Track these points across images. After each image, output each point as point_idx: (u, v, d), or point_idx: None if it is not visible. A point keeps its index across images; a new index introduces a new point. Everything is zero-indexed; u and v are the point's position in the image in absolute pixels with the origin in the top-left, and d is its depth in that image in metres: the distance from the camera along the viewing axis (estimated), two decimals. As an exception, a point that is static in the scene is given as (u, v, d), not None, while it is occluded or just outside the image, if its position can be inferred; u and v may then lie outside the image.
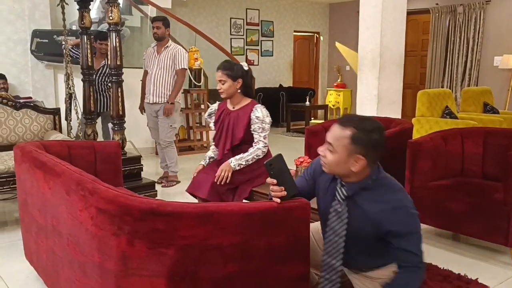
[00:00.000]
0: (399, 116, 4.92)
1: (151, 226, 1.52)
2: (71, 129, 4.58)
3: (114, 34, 3.61)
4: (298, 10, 10.19)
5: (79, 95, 4.40)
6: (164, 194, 4.33)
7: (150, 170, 5.09)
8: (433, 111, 5.60)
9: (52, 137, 3.72)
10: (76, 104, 4.48)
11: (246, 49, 9.44)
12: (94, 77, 4.47)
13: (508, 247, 2.80)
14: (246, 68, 2.86)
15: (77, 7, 4.02)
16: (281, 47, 10.02)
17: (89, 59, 4.10)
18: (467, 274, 2.60)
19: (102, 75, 4.90)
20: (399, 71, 4.95)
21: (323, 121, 8.74)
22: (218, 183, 2.76)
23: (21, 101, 4.20)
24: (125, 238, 1.53)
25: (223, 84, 2.79)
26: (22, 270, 2.65)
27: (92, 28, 4.28)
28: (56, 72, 5.82)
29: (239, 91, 2.84)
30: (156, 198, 3.77)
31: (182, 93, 5.03)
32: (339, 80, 10.29)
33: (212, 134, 2.94)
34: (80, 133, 4.33)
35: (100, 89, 4.92)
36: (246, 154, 2.82)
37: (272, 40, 9.85)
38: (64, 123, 4.37)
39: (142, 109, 4.80)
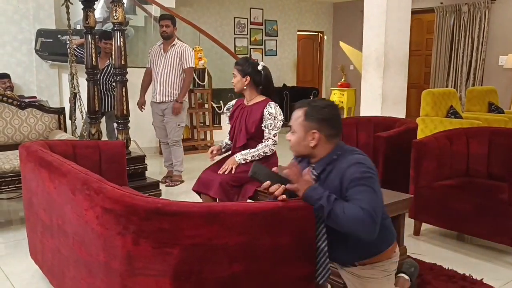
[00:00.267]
0: (404, 116, 4.91)
1: (157, 225, 1.52)
2: (76, 128, 4.59)
3: (118, 33, 3.62)
4: (302, 10, 10.18)
5: (84, 95, 4.41)
6: (168, 193, 4.34)
7: (154, 170, 5.09)
8: (437, 111, 5.57)
9: (57, 136, 3.73)
10: (80, 104, 4.49)
11: (250, 48, 9.43)
12: (98, 76, 4.48)
13: (514, 247, 2.80)
14: (259, 67, 2.91)
15: (82, 6, 4.03)
16: (285, 47, 10.01)
17: (94, 59, 4.11)
18: (472, 274, 2.59)
19: (106, 74, 4.91)
20: (403, 71, 4.93)
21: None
22: (221, 172, 2.82)
23: (26, 100, 4.22)
24: (130, 238, 1.54)
25: (234, 77, 2.93)
26: (27, 269, 2.66)
27: (96, 28, 4.28)
28: (61, 71, 5.84)
29: (245, 87, 2.91)
30: (161, 197, 3.78)
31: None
32: (343, 80, 10.26)
33: (226, 131, 3.01)
34: (84, 132, 4.34)
35: (105, 88, 4.93)
36: (253, 149, 2.88)
37: (276, 40, 9.84)
38: (68, 122, 4.38)
39: (141, 104, 4.75)
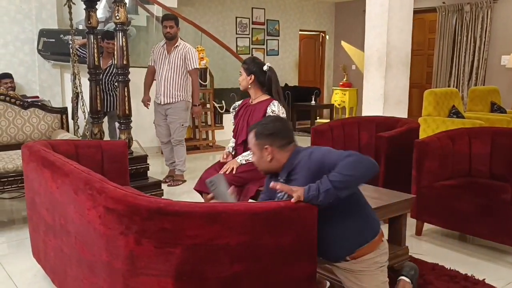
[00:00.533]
0: (406, 116, 4.91)
1: (159, 225, 1.53)
2: (78, 128, 4.60)
3: (120, 33, 3.63)
4: (303, 9, 10.17)
5: (86, 95, 4.42)
6: (170, 193, 4.34)
7: (156, 169, 5.10)
8: (439, 111, 5.57)
9: (59, 136, 3.74)
10: (83, 104, 4.50)
11: (252, 48, 9.44)
12: (101, 76, 4.48)
13: (516, 247, 2.79)
14: (265, 68, 2.96)
15: (84, 6, 4.04)
16: (286, 46, 10.01)
17: (96, 59, 4.12)
18: (474, 274, 2.59)
19: (109, 74, 4.91)
20: (405, 70, 4.93)
21: (328, 120, 8.73)
22: (222, 172, 2.83)
23: (29, 100, 4.23)
24: (133, 238, 1.54)
25: (240, 76, 3.00)
26: (29, 269, 2.66)
27: (98, 28, 4.29)
28: (63, 71, 5.85)
29: (250, 86, 2.96)
30: (163, 197, 3.79)
31: None
32: (344, 79, 10.26)
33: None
34: (87, 132, 4.35)
35: (107, 88, 4.94)
36: None
37: (278, 39, 9.83)
38: (71, 122, 4.39)
39: (146, 102, 4.74)
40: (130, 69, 3.79)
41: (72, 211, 1.88)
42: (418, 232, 3.26)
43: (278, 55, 9.86)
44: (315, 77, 10.93)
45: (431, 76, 8.92)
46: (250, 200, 2.77)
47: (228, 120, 7.06)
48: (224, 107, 6.91)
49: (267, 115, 2.87)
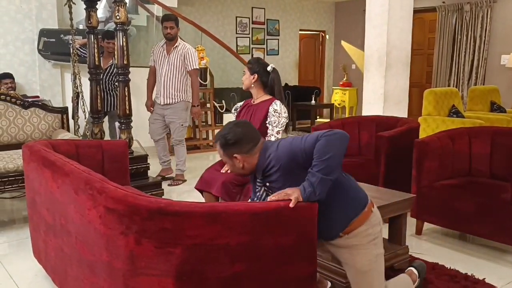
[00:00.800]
0: (406, 115, 4.91)
1: (159, 225, 1.53)
2: (78, 128, 4.60)
3: (121, 33, 3.63)
4: (303, 9, 10.17)
5: (86, 94, 4.42)
6: (171, 192, 4.34)
7: (156, 169, 5.09)
8: (439, 110, 5.57)
9: (60, 136, 3.74)
10: (83, 103, 4.50)
11: (252, 48, 9.43)
12: (101, 76, 4.48)
13: (516, 247, 2.79)
14: (269, 69, 2.98)
15: (84, 6, 4.04)
16: (286, 46, 10.01)
17: (96, 59, 4.12)
18: (474, 274, 2.59)
19: (109, 74, 4.92)
20: (405, 70, 4.93)
21: (329, 120, 8.73)
22: (223, 171, 2.85)
23: (29, 100, 4.23)
24: (133, 237, 1.55)
25: (244, 75, 3.01)
26: (30, 268, 2.67)
27: (98, 28, 4.29)
28: (63, 71, 5.86)
29: (253, 85, 2.97)
30: (163, 197, 3.79)
31: None
32: (344, 79, 10.26)
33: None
34: (87, 132, 4.36)
35: (108, 88, 4.94)
36: None
37: (278, 39, 9.83)
38: (71, 122, 4.39)
39: (149, 107, 4.72)
40: (130, 69, 3.80)
41: (72, 211, 1.88)
42: (418, 231, 3.26)
43: (278, 54, 9.86)
44: (315, 77, 10.93)
45: (431, 76, 8.92)
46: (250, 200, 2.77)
47: (228, 119, 7.07)
48: (224, 107, 6.91)
49: (268, 114, 2.88)
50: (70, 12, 4.43)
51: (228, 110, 6.99)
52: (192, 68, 4.51)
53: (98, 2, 4.13)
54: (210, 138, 6.79)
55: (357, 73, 9.95)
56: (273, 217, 1.68)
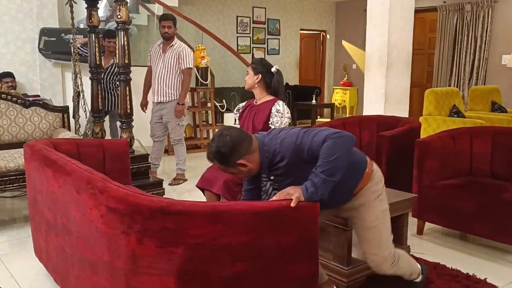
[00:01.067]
0: (407, 115, 4.91)
1: (161, 224, 1.53)
2: (79, 127, 4.60)
3: (122, 32, 3.62)
4: (304, 8, 10.17)
5: (87, 94, 4.42)
6: (171, 192, 4.34)
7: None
8: (440, 110, 5.57)
9: (60, 135, 3.74)
10: (84, 103, 4.50)
11: (253, 47, 9.43)
12: (102, 75, 4.48)
13: (517, 247, 2.79)
14: (273, 70, 2.98)
15: (85, 5, 4.03)
16: (287, 46, 10.00)
17: (97, 58, 4.12)
18: (475, 274, 2.59)
19: (110, 73, 4.91)
20: (406, 70, 4.93)
21: (329, 119, 8.73)
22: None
23: (30, 99, 4.23)
24: (134, 237, 1.55)
25: (247, 74, 3.02)
26: (32, 267, 2.67)
27: (99, 27, 4.28)
28: (64, 70, 5.86)
29: (256, 85, 2.97)
30: (164, 196, 3.79)
31: (188, 91, 5.01)
32: (345, 79, 10.26)
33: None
34: (88, 131, 4.35)
35: (108, 87, 4.94)
36: None
37: (279, 39, 9.83)
38: (72, 121, 4.39)
39: (143, 106, 4.75)
40: (131, 68, 3.79)
41: (74, 210, 1.88)
42: (420, 231, 3.26)
43: (278, 54, 9.86)
44: (316, 76, 10.93)
45: (431, 76, 8.91)
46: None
47: (229, 119, 7.07)
48: (225, 106, 6.91)
49: (271, 114, 2.89)
50: (72, 11, 4.43)
51: (229, 110, 6.99)
52: (186, 67, 4.51)
53: (99, 1, 4.13)
54: (211, 137, 6.77)
55: (357, 73, 9.94)
56: (275, 216, 1.68)
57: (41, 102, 4.10)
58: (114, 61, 4.86)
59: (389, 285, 2.42)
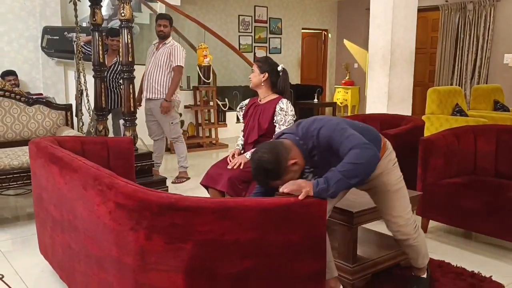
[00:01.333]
0: (410, 114, 4.91)
1: (169, 220, 1.53)
2: (82, 125, 4.60)
3: (125, 30, 3.62)
4: (306, 7, 10.17)
5: (91, 92, 4.42)
6: (174, 190, 4.34)
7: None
8: (443, 109, 5.56)
9: (64, 133, 3.74)
10: (87, 101, 4.50)
11: (254, 46, 9.43)
12: (105, 74, 4.48)
13: (522, 245, 2.79)
14: (279, 68, 2.98)
15: (88, 4, 4.03)
16: (289, 44, 10.00)
17: (101, 56, 4.12)
18: (480, 271, 2.59)
19: (113, 72, 4.91)
20: (409, 69, 4.93)
21: (331, 118, 8.72)
22: (230, 167, 2.85)
23: (34, 97, 4.23)
24: (143, 233, 1.54)
25: (252, 72, 2.99)
26: (36, 265, 2.67)
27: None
28: (66, 68, 5.86)
29: (262, 84, 2.96)
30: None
31: (182, 89, 4.93)
32: (347, 78, 10.26)
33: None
34: (92, 129, 4.35)
35: (112, 86, 4.94)
36: None
37: (280, 37, 9.83)
38: (75, 119, 4.39)
39: (137, 101, 4.65)
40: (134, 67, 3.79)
41: (80, 207, 1.88)
42: (424, 229, 3.25)
43: (280, 53, 9.86)
44: (318, 75, 10.93)
45: (433, 75, 8.91)
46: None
47: (231, 117, 7.08)
48: (227, 105, 6.91)
49: (275, 113, 2.88)
50: (75, 9, 4.42)
51: (231, 108, 7.00)
52: (176, 64, 4.49)
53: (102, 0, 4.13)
54: (213, 136, 6.78)
55: (359, 72, 9.95)
56: (282, 213, 1.68)
57: (44, 100, 4.10)
58: (117, 59, 4.85)
59: (394, 283, 2.42)
